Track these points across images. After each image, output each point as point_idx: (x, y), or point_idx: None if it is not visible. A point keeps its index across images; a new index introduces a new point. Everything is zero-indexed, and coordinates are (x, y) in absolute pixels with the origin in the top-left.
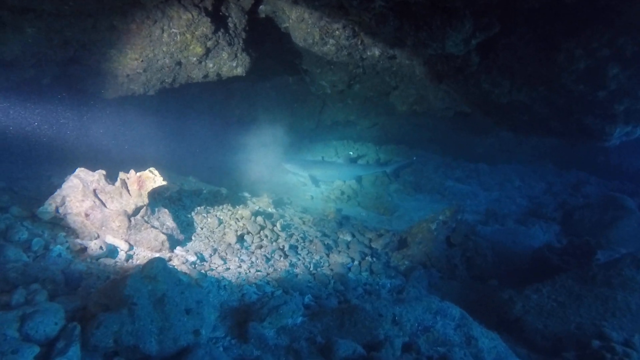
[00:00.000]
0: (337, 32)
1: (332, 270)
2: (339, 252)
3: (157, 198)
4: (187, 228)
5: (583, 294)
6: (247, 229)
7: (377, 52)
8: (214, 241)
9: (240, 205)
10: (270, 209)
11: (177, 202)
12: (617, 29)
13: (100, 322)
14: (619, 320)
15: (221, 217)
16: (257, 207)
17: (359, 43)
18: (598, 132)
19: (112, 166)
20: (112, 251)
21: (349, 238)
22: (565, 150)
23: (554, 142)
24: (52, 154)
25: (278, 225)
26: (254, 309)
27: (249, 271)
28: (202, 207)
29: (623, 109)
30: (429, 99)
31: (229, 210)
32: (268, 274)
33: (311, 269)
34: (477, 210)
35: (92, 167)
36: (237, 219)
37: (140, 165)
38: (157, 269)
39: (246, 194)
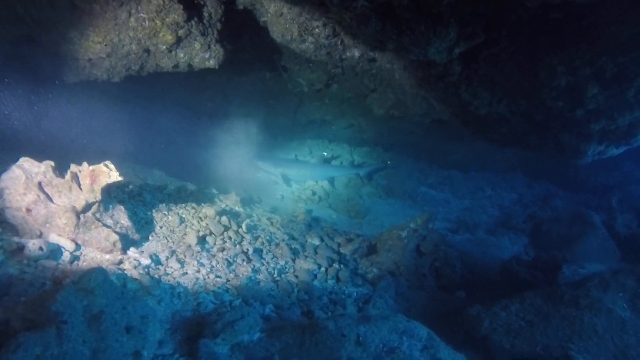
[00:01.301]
0: (316, 30)
1: (297, 277)
2: (306, 257)
3: (112, 194)
4: (144, 227)
5: (551, 313)
6: (209, 229)
7: (357, 54)
8: (173, 242)
9: (206, 204)
10: (238, 208)
11: (136, 197)
12: (599, 49)
13: (20, 343)
14: (585, 343)
15: (183, 216)
16: (223, 206)
17: (339, 43)
18: (573, 150)
19: (69, 158)
20: (55, 252)
21: (317, 242)
22: (536, 162)
23: (525, 153)
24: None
25: (244, 226)
26: (208, 322)
27: (208, 277)
28: (164, 204)
29: (599, 129)
30: (406, 104)
31: (192, 208)
32: (228, 280)
33: (275, 275)
34: (448, 218)
35: (45, 158)
36: (200, 218)
37: (102, 157)
38: (95, 281)
39: (214, 191)
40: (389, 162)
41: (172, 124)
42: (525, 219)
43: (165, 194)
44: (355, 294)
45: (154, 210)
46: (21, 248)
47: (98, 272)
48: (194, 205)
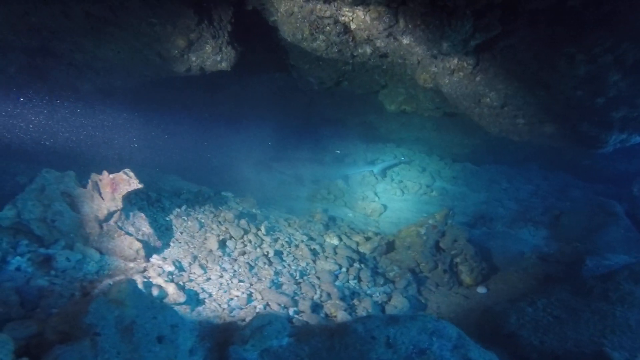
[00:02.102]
0: (327, 27)
1: (318, 278)
2: (326, 258)
3: (132, 201)
4: (165, 233)
5: (580, 308)
6: (229, 233)
7: (368, 50)
8: (194, 247)
9: (224, 207)
10: (255, 210)
11: (155, 203)
12: (620, 35)
13: (56, 356)
14: (619, 338)
15: (202, 220)
16: (241, 209)
17: (350, 40)
18: (593, 139)
19: (86, 165)
20: (81, 262)
21: (335, 242)
22: (551, 152)
23: (540, 144)
24: (19, 150)
25: (262, 228)
26: (236, 329)
27: (231, 282)
28: (183, 209)
29: (620, 117)
30: (418, 99)
31: (211, 212)
32: (251, 284)
33: (297, 277)
34: (465, 212)
35: (64, 167)
36: (219, 222)
37: (118, 163)
38: (125, 292)
39: (230, 194)
40: (402, 158)
41: (186, 127)
42: (543, 210)
43: (183, 199)
44: (377, 293)
45: (173, 216)
46: (48, 259)
47: (127, 283)
48: (212, 209)
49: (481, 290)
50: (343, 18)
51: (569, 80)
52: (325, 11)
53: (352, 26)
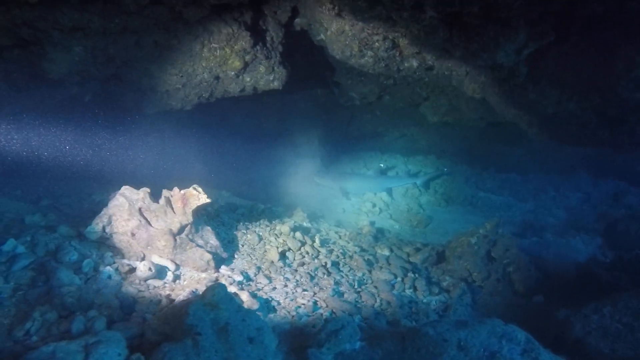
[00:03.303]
0: (376, 44)
1: (376, 287)
2: (381, 268)
3: (199, 215)
4: (228, 245)
5: None
6: (287, 245)
7: (415, 64)
8: (257, 259)
9: (277, 220)
10: (306, 223)
11: (215, 218)
12: None
13: (165, 353)
14: None
15: (260, 233)
16: (293, 222)
17: (397, 54)
18: None
19: (146, 182)
20: (160, 272)
21: (387, 253)
22: (601, 158)
23: (587, 151)
24: (90, 170)
25: (317, 240)
26: (310, 333)
27: (296, 291)
28: (241, 223)
29: None
30: (460, 110)
31: (266, 225)
32: (315, 293)
33: (356, 286)
34: (512, 221)
35: (125, 183)
36: (276, 234)
37: (174, 180)
38: (218, 295)
39: (280, 209)
40: (445, 170)
41: (235, 144)
42: (596, 218)
43: (239, 214)
44: (434, 302)
45: (233, 230)
46: (132, 269)
47: (220, 288)
48: (266, 222)
49: (537, 298)
50: (395, 34)
51: (627, 83)
52: (378, 28)
53: (403, 42)
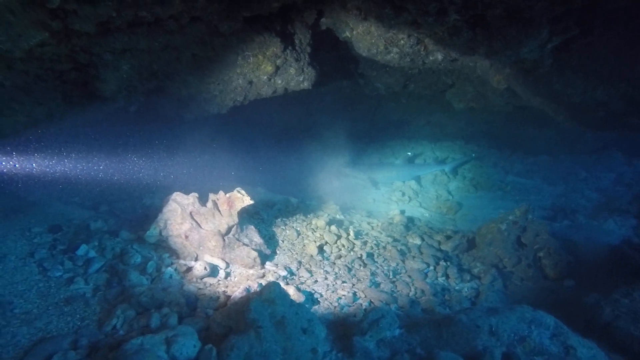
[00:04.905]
0: (401, 41)
1: (410, 277)
2: (413, 257)
3: (244, 216)
4: (269, 242)
5: None
6: (324, 239)
7: (439, 57)
8: (297, 253)
9: (311, 214)
10: (339, 216)
11: (254, 215)
12: None
13: (233, 344)
14: None
15: (298, 229)
16: (326, 215)
17: (422, 49)
18: None
19: (186, 183)
20: (213, 270)
21: (418, 242)
22: (635, 136)
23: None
24: (137, 174)
25: (351, 232)
26: (353, 322)
27: (336, 283)
28: (279, 219)
29: None
30: (486, 96)
31: (302, 220)
32: (353, 284)
33: (391, 276)
34: (542, 205)
35: (170, 186)
36: (312, 229)
37: (214, 180)
38: (274, 292)
39: (313, 202)
40: (473, 155)
41: (266, 142)
42: (630, 199)
43: (276, 210)
44: (465, 288)
45: (272, 226)
46: (189, 269)
47: (275, 285)
48: (302, 217)
49: (568, 283)
50: (420, 35)
51: None
52: (404, 30)
53: (428, 41)
